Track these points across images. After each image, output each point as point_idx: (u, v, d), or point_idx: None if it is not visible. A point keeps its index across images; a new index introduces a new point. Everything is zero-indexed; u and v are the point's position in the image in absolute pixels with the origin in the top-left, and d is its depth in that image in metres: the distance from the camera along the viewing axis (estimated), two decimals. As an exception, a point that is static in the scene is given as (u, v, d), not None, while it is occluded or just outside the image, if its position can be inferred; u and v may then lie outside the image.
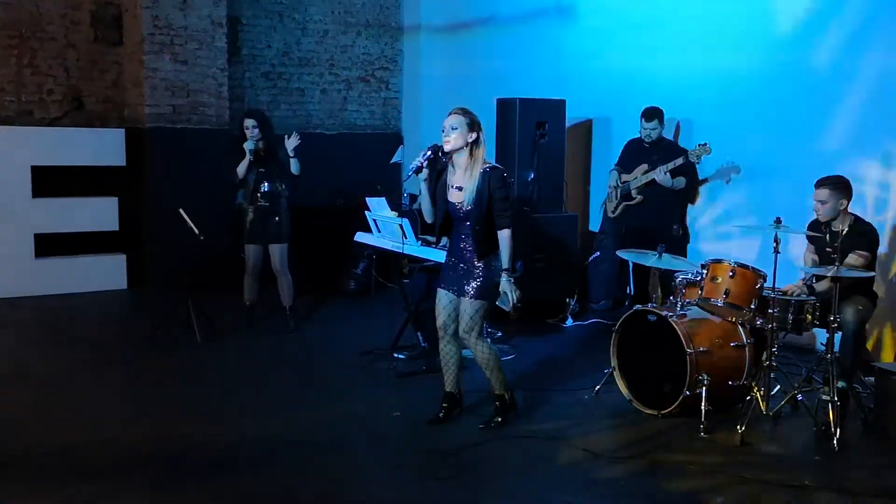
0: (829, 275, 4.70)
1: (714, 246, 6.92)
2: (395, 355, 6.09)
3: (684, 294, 5.30)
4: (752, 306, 4.93)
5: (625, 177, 7.18)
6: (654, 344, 5.07)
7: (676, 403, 4.89)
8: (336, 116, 10.18)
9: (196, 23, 8.56)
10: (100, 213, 8.40)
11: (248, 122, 6.61)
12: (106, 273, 8.42)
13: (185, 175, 8.37)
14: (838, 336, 4.86)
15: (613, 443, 4.66)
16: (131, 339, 6.63)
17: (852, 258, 4.96)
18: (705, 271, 5.14)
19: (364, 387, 5.54)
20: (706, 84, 7.10)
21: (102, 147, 8.36)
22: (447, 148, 4.50)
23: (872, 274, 5.07)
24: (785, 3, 6.59)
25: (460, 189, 4.54)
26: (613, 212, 7.28)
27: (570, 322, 7.27)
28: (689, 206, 7.31)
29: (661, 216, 6.99)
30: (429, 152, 4.56)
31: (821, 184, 5.06)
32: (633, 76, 7.65)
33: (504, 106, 7.51)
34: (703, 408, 4.78)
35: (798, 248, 5.66)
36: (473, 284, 4.55)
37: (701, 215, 7.27)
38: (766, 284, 4.95)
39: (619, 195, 7.20)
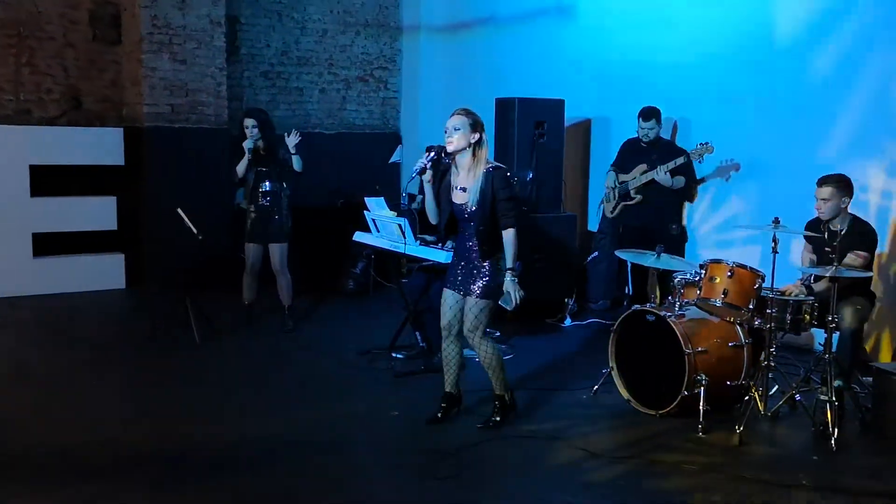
0: (827, 275, 4.71)
1: (715, 253, 6.90)
2: (394, 355, 6.10)
3: (683, 294, 5.32)
4: (751, 306, 4.94)
5: (622, 177, 7.18)
6: (653, 344, 5.08)
7: (675, 403, 4.90)
8: (335, 116, 10.19)
9: (195, 22, 8.56)
10: (98, 213, 8.39)
11: (248, 122, 6.61)
12: (104, 272, 8.42)
13: (183, 174, 8.38)
14: (836, 336, 4.87)
15: (612, 443, 4.67)
16: (130, 339, 6.63)
17: (851, 258, 4.97)
18: (704, 271, 5.15)
19: (363, 386, 5.55)
20: (704, 84, 7.11)
21: (101, 146, 8.36)
22: (450, 149, 4.51)
23: (870, 274, 5.09)
24: (785, 2, 6.60)
25: (464, 190, 4.55)
26: (612, 212, 7.29)
27: (568, 322, 7.28)
28: (688, 205, 7.32)
29: (660, 216, 7.00)
30: (432, 153, 4.56)
31: (823, 182, 5.07)
32: (632, 76, 7.66)
33: (503, 106, 7.52)
34: (701, 408, 4.78)
35: (799, 250, 5.66)
36: (479, 284, 4.57)
37: (702, 219, 7.28)
38: (764, 284, 4.96)
39: (617, 195, 7.21)
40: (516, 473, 4.26)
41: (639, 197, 7.04)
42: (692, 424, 4.78)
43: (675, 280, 5.41)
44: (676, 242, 7.05)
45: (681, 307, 5.20)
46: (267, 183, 6.69)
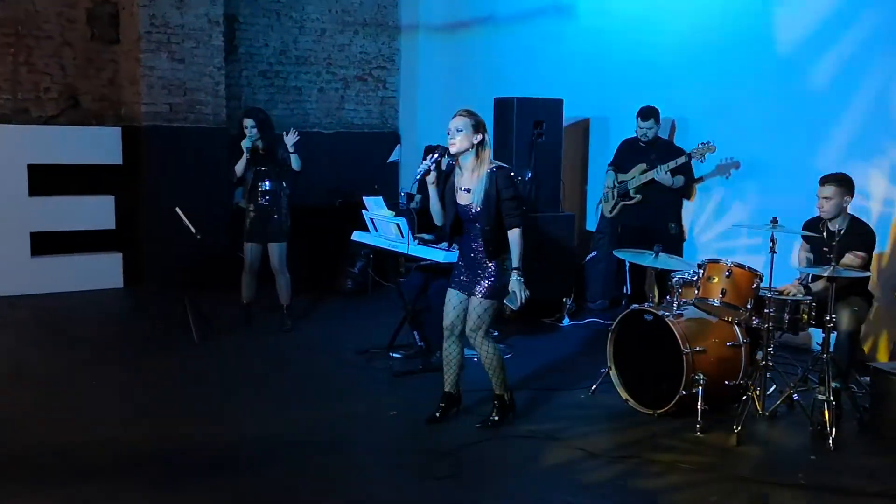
0: (825, 275, 4.72)
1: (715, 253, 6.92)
2: (392, 354, 6.11)
3: (681, 294, 5.33)
4: (749, 306, 4.95)
5: (621, 176, 7.19)
6: (651, 343, 5.09)
7: (673, 403, 4.90)
8: (333, 115, 10.19)
9: (193, 21, 8.56)
10: (96, 212, 8.39)
11: (247, 122, 6.62)
12: (102, 272, 8.42)
13: (181, 174, 8.38)
14: (834, 336, 4.88)
15: (610, 442, 4.68)
16: (129, 339, 6.63)
17: (849, 258, 4.98)
18: (702, 271, 5.16)
19: (362, 386, 5.55)
20: (703, 84, 7.12)
21: (99, 145, 8.36)
22: (453, 150, 4.51)
23: (868, 274, 5.10)
24: (784, 2, 6.61)
25: (468, 191, 4.56)
26: (611, 212, 7.30)
27: (566, 322, 7.29)
28: (687, 205, 7.33)
29: (659, 215, 7.01)
30: (435, 155, 4.57)
31: (826, 180, 5.08)
32: (631, 76, 7.67)
33: (501, 105, 7.53)
34: (699, 407, 4.79)
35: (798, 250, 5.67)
36: (484, 284, 4.58)
37: (700, 219, 7.28)
38: (762, 284, 4.97)
39: (616, 195, 7.22)
40: (515, 473, 4.27)
41: (638, 196, 7.05)
42: (690, 424, 4.79)
43: (674, 280, 5.42)
44: (675, 242, 7.06)
45: (679, 307, 5.21)
46: (266, 182, 6.70)
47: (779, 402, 4.97)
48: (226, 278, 7.56)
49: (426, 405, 4.92)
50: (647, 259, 5.49)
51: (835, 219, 5.09)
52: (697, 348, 4.92)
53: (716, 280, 5.02)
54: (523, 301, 4.52)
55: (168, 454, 4.36)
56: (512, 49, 8.87)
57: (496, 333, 6.60)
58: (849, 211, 5.14)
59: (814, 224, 5.24)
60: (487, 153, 4.55)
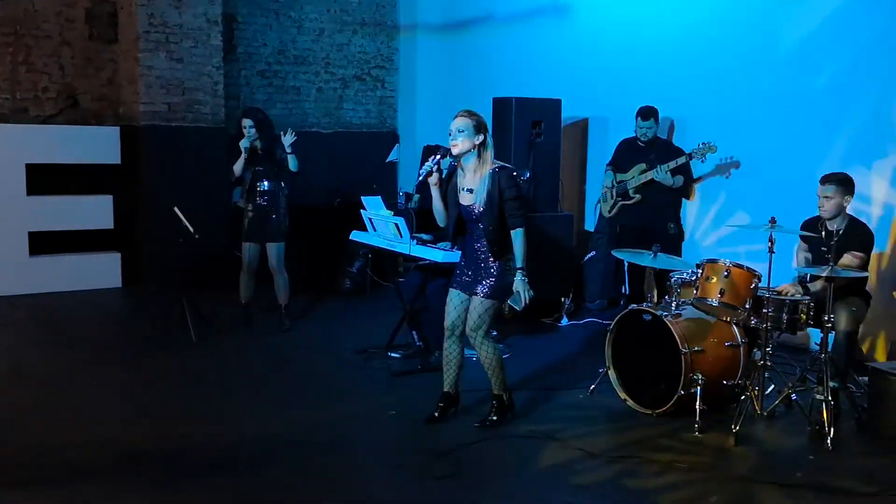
0: (823, 275, 4.73)
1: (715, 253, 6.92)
2: (390, 354, 6.11)
3: (679, 294, 5.34)
4: (747, 306, 4.96)
5: (620, 176, 7.20)
6: (649, 343, 5.10)
7: (671, 403, 4.92)
8: (332, 115, 10.19)
9: (191, 20, 8.56)
10: (95, 212, 8.39)
11: (246, 122, 6.62)
12: (100, 271, 8.42)
13: (180, 173, 8.38)
14: (832, 336, 4.89)
15: (609, 442, 4.68)
16: (128, 338, 6.63)
17: (847, 258, 4.99)
18: (700, 271, 5.17)
19: (361, 386, 5.56)
20: (701, 83, 7.13)
21: (97, 145, 8.36)
22: (455, 152, 4.52)
23: (866, 274, 5.11)
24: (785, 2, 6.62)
25: (471, 191, 4.56)
26: (609, 211, 7.30)
27: (565, 321, 7.30)
28: (685, 205, 7.34)
29: (658, 215, 7.02)
30: (437, 156, 4.57)
31: (827, 179, 5.09)
32: (629, 75, 7.68)
33: (500, 105, 7.54)
34: (697, 407, 4.81)
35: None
36: (486, 283, 4.59)
37: (701, 222, 7.30)
38: (760, 284, 4.98)
39: (615, 195, 7.23)
40: (513, 473, 4.28)
41: (637, 196, 7.06)
42: (689, 424, 4.80)
43: (672, 279, 5.43)
44: (674, 241, 7.07)
45: (677, 307, 5.21)
46: (265, 182, 6.70)
47: (777, 402, 4.98)
48: (224, 278, 7.56)
49: (425, 405, 4.93)
50: (646, 259, 5.50)
51: (834, 218, 5.10)
52: (696, 348, 4.93)
53: (714, 280, 5.02)
54: (527, 301, 4.53)
55: (168, 454, 4.36)
56: (510, 49, 8.87)
57: (495, 333, 6.62)
58: (848, 211, 5.15)
59: (812, 223, 5.25)
60: (489, 153, 4.55)
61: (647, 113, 6.93)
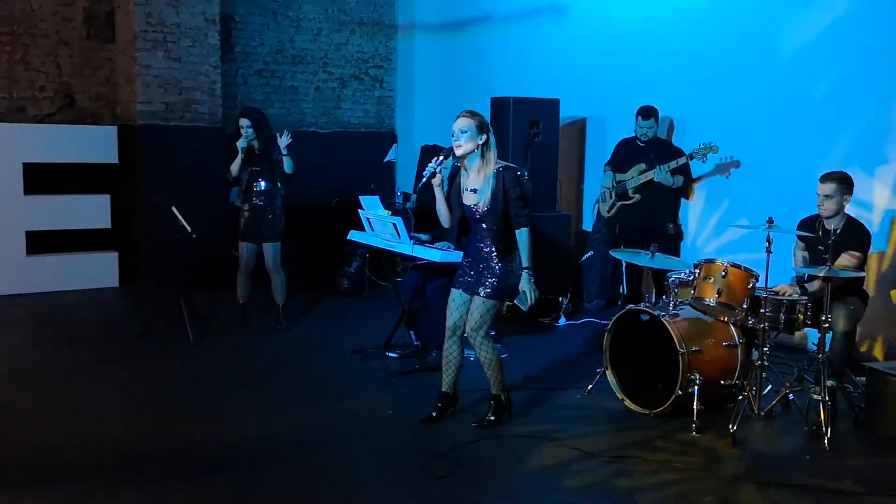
0: (821, 275, 4.75)
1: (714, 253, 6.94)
2: (388, 353, 6.11)
3: (677, 293, 5.35)
4: (745, 306, 4.97)
5: (620, 176, 7.20)
6: (647, 343, 5.11)
7: (668, 403, 4.93)
8: (330, 115, 10.18)
9: (189, 20, 8.55)
10: (92, 211, 8.38)
11: (243, 122, 6.62)
12: (98, 271, 8.41)
13: (177, 173, 8.37)
14: (829, 335, 4.91)
15: (606, 442, 4.69)
16: (126, 338, 6.62)
17: (845, 258, 5.00)
18: (698, 271, 5.18)
19: (359, 386, 5.56)
20: (700, 83, 7.14)
21: (94, 144, 8.35)
22: (459, 153, 4.52)
23: (864, 274, 5.12)
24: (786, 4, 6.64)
25: (475, 191, 4.57)
26: (609, 211, 7.31)
27: (563, 321, 7.32)
28: (684, 205, 7.35)
29: (657, 215, 7.03)
30: (441, 157, 4.58)
31: (827, 178, 5.09)
32: (627, 75, 7.69)
33: (498, 105, 7.54)
34: (694, 407, 4.82)
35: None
36: (489, 284, 4.59)
37: (700, 222, 7.31)
38: (758, 284, 4.99)
39: (614, 195, 7.23)
40: (511, 473, 4.28)
41: (637, 196, 7.06)
42: (686, 424, 4.81)
43: (670, 279, 5.44)
44: (673, 241, 7.09)
45: (675, 307, 5.23)
46: (261, 182, 6.70)
47: (774, 402, 5.00)
48: (222, 278, 7.56)
49: (424, 405, 4.93)
50: (643, 259, 5.51)
51: (833, 217, 5.11)
52: (693, 348, 4.95)
53: (712, 280, 5.04)
54: (533, 301, 4.54)
55: (168, 454, 4.37)
56: (508, 49, 8.88)
57: (493, 333, 6.63)
58: (846, 211, 5.17)
59: (810, 222, 5.26)
60: (492, 153, 4.56)
61: (647, 113, 6.93)
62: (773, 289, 5.04)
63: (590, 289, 7.83)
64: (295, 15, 9.84)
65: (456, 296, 4.74)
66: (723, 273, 5.01)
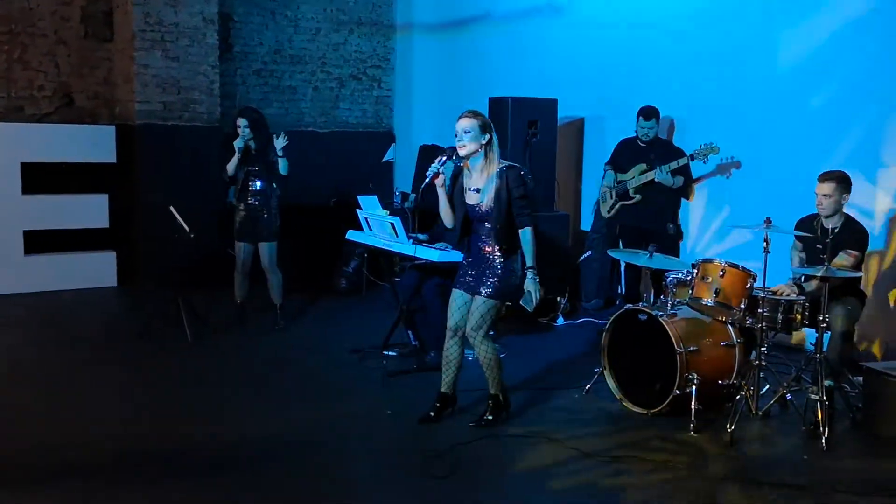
0: (818, 275, 4.76)
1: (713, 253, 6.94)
2: (386, 353, 6.12)
3: (675, 293, 5.36)
4: (742, 306, 4.98)
5: (620, 176, 7.20)
6: (645, 343, 5.12)
7: (666, 402, 4.94)
8: (328, 114, 10.18)
9: (187, 19, 8.55)
10: (90, 210, 8.38)
11: (241, 122, 6.62)
12: (96, 270, 8.41)
13: (175, 172, 8.37)
14: (827, 335, 4.92)
15: (604, 442, 4.70)
16: (124, 338, 6.62)
17: (843, 258, 5.02)
18: (696, 270, 5.20)
19: (357, 386, 5.57)
20: (699, 83, 7.15)
21: (93, 144, 8.34)
22: (462, 153, 4.53)
23: (860, 274, 5.14)
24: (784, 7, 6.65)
25: (478, 191, 4.58)
26: (609, 211, 7.31)
27: (561, 321, 7.33)
28: (685, 206, 7.36)
29: (658, 215, 7.04)
30: (444, 157, 4.59)
31: (825, 177, 5.10)
32: (625, 75, 7.70)
33: (496, 105, 7.55)
34: (692, 407, 4.83)
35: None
36: (490, 284, 4.60)
37: (700, 222, 7.32)
38: (756, 284, 5.01)
39: (614, 195, 7.24)
40: (509, 472, 4.29)
41: (637, 197, 7.07)
42: (683, 423, 4.82)
43: (668, 279, 5.45)
44: (672, 241, 7.10)
45: (673, 306, 5.24)
46: (257, 182, 6.71)
47: (772, 402, 5.01)
48: (220, 277, 7.56)
49: (422, 404, 4.94)
50: (642, 259, 5.52)
51: (831, 216, 5.13)
52: (691, 348, 4.96)
53: (710, 280, 5.05)
54: (537, 301, 4.55)
55: (168, 454, 4.37)
56: (507, 48, 8.88)
57: (492, 333, 6.64)
58: (844, 210, 5.19)
59: (808, 221, 5.27)
60: (495, 153, 4.57)
61: (648, 113, 6.93)
62: (771, 289, 5.05)
63: (588, 289, 7.85)
64: (293, 15, 9.84)
65: (457, 296, 4.75)
66: (721, 273, 5.02)
